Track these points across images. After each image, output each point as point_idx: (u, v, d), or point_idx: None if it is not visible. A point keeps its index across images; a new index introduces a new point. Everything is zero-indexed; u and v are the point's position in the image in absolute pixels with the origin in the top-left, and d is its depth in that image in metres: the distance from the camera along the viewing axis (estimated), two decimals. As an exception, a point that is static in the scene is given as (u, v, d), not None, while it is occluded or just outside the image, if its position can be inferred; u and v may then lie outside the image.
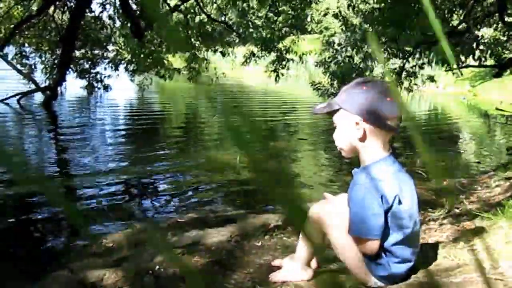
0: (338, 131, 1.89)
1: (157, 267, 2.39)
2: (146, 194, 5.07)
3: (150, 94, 15.75)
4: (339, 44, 12.03)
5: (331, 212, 1.95)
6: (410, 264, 1.91)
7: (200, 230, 2.94)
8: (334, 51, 11.98)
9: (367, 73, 11.27)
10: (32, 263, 3.13)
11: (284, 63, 11.76)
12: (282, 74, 11.74)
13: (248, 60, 12.32)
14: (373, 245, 1.82)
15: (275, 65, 11.74)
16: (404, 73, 11.17)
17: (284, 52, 11.78)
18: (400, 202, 1.78)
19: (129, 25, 11.18)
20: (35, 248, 3.44)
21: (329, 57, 11.74)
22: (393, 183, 1.79)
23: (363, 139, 1.82)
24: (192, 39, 12.38)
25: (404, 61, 10.80)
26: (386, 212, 1.78)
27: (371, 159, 1.84)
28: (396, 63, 11.21)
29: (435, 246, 2.38)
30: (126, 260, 2.57)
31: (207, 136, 9.20)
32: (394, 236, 1.83)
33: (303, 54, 12.87)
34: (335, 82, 10.97)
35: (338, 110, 1.86)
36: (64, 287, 2.23)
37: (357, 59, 11.34)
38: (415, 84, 12.02)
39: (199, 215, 3.46)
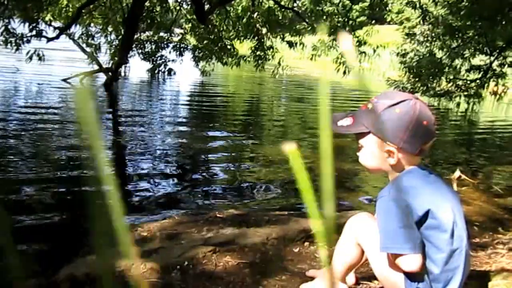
0: (367, 155, 1.82)
1: (186, 263, 2.43)
2: (192, 185, 5.15)
3: (215, 81, 15.96)
4: (422, 35, 11.69)
5: (368, 225, 1.86)
6: None
7: (237, 229, 2.96)
8: (415, 43, 11.68)
9: (450, 71, 10.87)
10: (64, 245, 3.27)
11: (356, 55, 11.47)
12: (351, 68, 11.47)
13: (318, 52, 12.17)
14: (410, 261, 1.65)
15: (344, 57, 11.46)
16: (490, 73, 10.72)
17: (357, 43, 11.53)
18: (435, 217, 1.67)
19: (193, 8, 11.31)
20: (69, 230, 3.59)
21: (408, 50, 11.44)
22: (423, 195, 1.71)
23: (395, 165, 1.77)
24: (258, 26, 12.35)
25: (493, 58, 10.34)
26: (419, 226, 1.68)
27: (399, 174, 1.78)
28: (482, 59, 10.77)
29: (496, 274, 2.24)
30: (157, 252, 2.64)
31: (266, 129, 9.24)
32: (436, 257, 1.69)
33: (377, 46, 12.54)
34: (411, 77, 10.69)
35: (366, 132, 1.79)
36: (91, 271, 2.32)
37: (440, 54, 10.97)
38: (503, 85, 11.49)
39: (239, 212, 3.48)
